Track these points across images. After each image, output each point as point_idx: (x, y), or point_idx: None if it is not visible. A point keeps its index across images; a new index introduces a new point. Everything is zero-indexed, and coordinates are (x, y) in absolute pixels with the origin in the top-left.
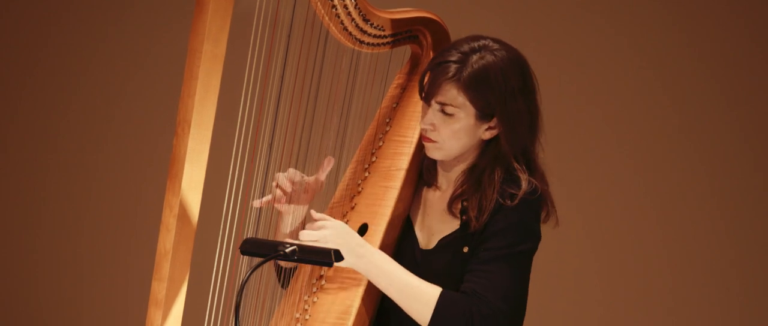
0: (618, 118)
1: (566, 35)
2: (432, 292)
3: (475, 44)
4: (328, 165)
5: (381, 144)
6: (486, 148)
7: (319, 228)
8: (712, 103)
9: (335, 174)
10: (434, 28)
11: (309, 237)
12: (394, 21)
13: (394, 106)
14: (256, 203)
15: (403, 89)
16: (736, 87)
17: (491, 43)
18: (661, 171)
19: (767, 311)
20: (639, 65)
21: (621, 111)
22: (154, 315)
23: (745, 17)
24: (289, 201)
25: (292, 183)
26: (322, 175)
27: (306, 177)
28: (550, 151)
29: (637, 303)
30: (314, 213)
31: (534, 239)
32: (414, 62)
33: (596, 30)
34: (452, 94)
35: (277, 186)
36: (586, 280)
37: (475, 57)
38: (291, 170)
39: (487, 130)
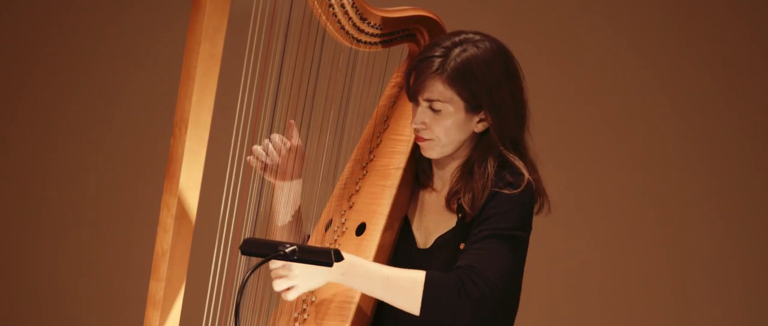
0: (616, 118)
1: (565, 35)
2: (417, 276)
3: (457, 38)
4: (291, 128)
5: (379, 143)
6: (478, 141)
7: (281, 274)
8: (710, 102)
9: (333, 173)
10: (431, 26)
11: (280, 287)
12: (391, 19)
13: (392, 104)
14: (251, 160)
15: (401, 88)
16: (735, 86)
17: (473, 36)
18: (660, 171)
19: (767, 311)
20: (637, 65)
21: (619, 110)
22: (151, 315)
23: (745, 17)
24: (279, 169)
25: (276, 147)
26: (295, 139)
27: (286, 140)
28: (548, 150)
29: (637, 302)
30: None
31: (526, 229)
32: None
33: (594, 29)
34: (439, 88)
35: (257, 153)
36: (586, 280)
37: (457, 50)
38: (274, 135)
39: (478, 122)
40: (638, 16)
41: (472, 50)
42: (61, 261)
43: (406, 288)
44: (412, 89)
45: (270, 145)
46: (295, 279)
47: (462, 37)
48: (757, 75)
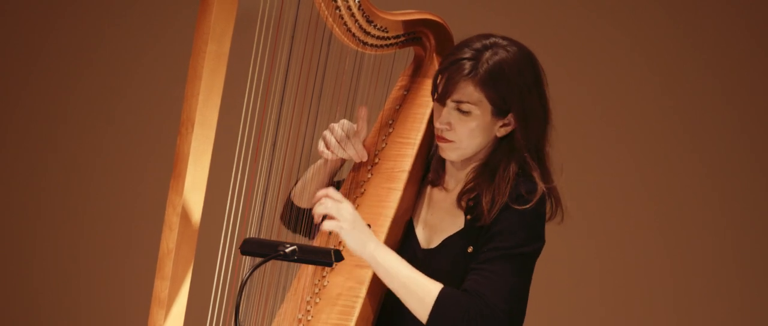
0: (618, 117)
1: (566, 34)
2: (433, 288)
3: (486, 42)
4: (363, 114)
5: (384, 145)
6: (499, 145)
7: (339, 200)
8: (711, 102)
9: (338, 176)
10: (438, 30)
11: (326, 209)
12: (397, 23)
13: (397, 107)
14: (323, 150)
15: (407, 91)
16: (736, 86)
17: (501, 40)
18: (661, 171)
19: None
20: (640, 64)
21: (621, 110)
22: (156, 313)
23: (746, 17)
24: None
25: (345, 135)
26: (364, 126)
27: (354, 126)
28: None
29: (638, 302)
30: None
31: (538, 242)
32: (417, 64)
33: (597, 30)
34: (469, 91)
35: (328, 143)
36: (587, 280)
37: (488, 53)
38: (344, 122)
39: (501, 126)
40: (642, 15)
41: (502, 54)
42: (66, 260)
43: (420, 294)
44: (442, 91)
45: (340, 131)
46: (344, 223)
47: (492, 40)
48: (758, 75)
